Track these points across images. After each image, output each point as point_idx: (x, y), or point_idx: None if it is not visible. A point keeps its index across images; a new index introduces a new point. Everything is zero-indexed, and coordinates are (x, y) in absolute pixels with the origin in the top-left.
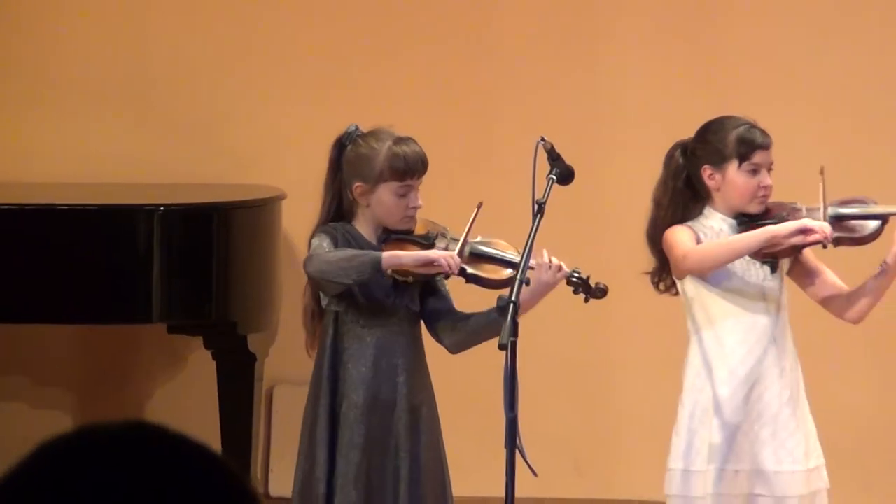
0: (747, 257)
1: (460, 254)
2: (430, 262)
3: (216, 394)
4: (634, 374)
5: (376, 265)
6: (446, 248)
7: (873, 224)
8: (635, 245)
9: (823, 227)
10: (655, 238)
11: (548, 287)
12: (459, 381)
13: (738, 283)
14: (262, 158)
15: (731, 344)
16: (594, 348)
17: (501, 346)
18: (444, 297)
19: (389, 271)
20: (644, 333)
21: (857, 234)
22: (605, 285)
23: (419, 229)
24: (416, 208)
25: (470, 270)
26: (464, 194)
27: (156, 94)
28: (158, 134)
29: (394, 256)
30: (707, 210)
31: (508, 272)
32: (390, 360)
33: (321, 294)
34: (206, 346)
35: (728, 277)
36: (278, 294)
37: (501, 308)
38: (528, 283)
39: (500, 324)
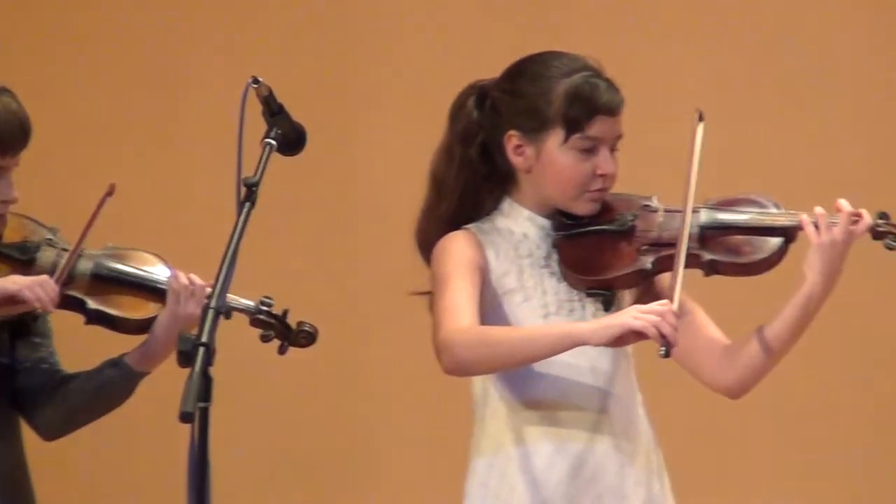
0: (567, 293)
1: (69, 276)
2: (10, 298)
3: None
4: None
5: None
6: (55, 264)
7: (773, 242)
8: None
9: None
10: (426, 243)
11: (187, 321)
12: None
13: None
14: None
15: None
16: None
17: (185, 417)
18: (39, 346)
19: None
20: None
21: (743, 259)
22: (312, 326)
23: (11, 234)
24: (9, 202)
25: (92, 304)
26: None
27: None
28: None
29: None
30: (507, 203)
31: (157, 306)
32: None
33: None
34: None
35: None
36: None
37: (186, 354)
38: (227, 316)
39: (121, 386)
